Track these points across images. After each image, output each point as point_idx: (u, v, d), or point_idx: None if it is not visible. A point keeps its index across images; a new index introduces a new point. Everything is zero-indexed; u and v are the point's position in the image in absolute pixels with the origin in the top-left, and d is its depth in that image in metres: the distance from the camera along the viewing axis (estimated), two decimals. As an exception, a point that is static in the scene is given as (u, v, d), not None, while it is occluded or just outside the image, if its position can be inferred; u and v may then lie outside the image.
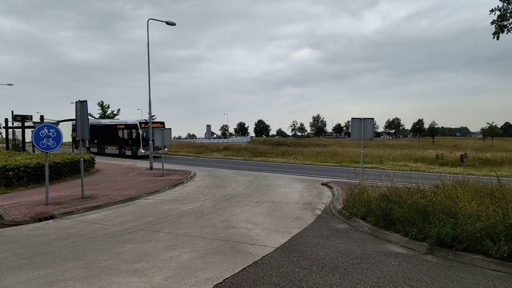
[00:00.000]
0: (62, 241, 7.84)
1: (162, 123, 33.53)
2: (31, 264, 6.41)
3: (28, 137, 30.11)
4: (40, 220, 9.77)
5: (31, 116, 36.21)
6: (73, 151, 36.37)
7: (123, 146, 34.67)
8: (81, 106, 12.31)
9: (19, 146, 33.95)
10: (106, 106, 72.81)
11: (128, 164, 28.04)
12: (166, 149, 31.11)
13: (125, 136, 34.68)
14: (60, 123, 36.24)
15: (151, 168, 22.89)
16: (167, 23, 23.54)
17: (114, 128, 36.56)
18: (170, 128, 20.11)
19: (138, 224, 9.21)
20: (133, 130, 32.96)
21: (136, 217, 10.04)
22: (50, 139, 11.48)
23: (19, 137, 36.24)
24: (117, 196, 12.90)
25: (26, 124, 33.67)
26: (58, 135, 11.66)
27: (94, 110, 74.39)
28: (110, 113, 73.17)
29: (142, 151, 31.61)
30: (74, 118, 12.64)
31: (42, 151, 11.84)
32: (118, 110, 73.72)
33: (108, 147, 36.84)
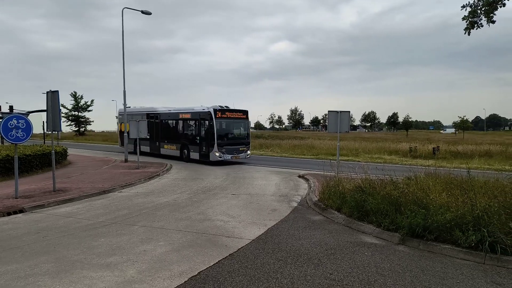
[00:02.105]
0: (32, 235, 7.64)
1: (245, 111, 22.96)
2: (-1, 259, 6.23)
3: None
4: (8, 214, 9.48)
5: (0, 106, 35.12)
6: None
7: (187, 145, 23.39)
8: (53, 96, 11.97)
9: (-13, 138, 32.85)
10: (79, 97, 71.32)
11: (102, 156, 27.55)
12: (249, 152, 22.91)
13: (190, 131, 23.55)
14: (31, 114, 35.22)
15: (126, 160, 22.54)
16: (143, 12, 23.09)
17: (174, 118, 25.20)
18: (146, 120, 19.79)
19: (112, 218, 9.06)
20: (204, 122, 21.84)
21: (109, 211, 9.87)
22: (20, 130, 11.12)
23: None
24: (90, 189, 12.66)
25: (-6, 114, 32.60)
26: (28, 126, 11.31)
27: (66, 101, 72.76)
28: (84, 104, 71.69)
29: (218, 154, 20.87)
30: (45, 109, 12.29)
31: (11, 143, 11.48)
32: (92, 101, 72.49)
33: (165, 146, 25.63)
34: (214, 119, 20.85)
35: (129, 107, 28.27)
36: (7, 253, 6.51)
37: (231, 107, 22.34)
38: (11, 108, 34.81)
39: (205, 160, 21.59)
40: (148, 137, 24.14)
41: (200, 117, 22.03)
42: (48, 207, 10.33)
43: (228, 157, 21.29)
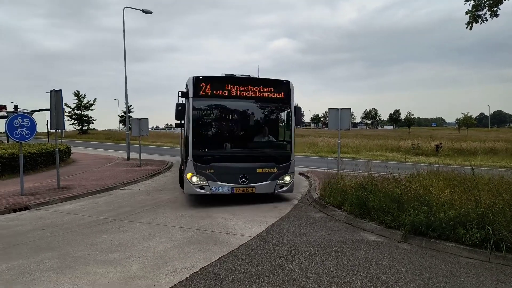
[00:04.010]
0: (37, 231, 7.69)
1: (281, 84, 10.38)
2: (5, 255, 6.28)
3: (2, 127, 29.25)
4: (14, 211, 9.55)
5: (5, 105, 35.28)
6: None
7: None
8: (56, 95, 12.01)
9: (-8, 136, 33.01)
10: (82, 96, 71.27)
11: (104, 154, 27.62)
12: (288, 179, 10.52)
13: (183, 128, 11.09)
14: (35, 113, 35.35)
15: (128, 158, 22.60)
16: (143, 11, 23.13)
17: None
18: (147, 118, 19.77)
19: (115, 215, 9.10)
20: (185, 108, 9.99)
21: (112, 208, 9.91)
22: (24, 129, 11.25)
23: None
24: (93, 187, 12.71)
25: (0, 113, 32.74)
26: (33, 125, 11.42)
27: (70, 100, 72.79)
28: (86, 103, 71.67)
29: (195, 179, 9.70)
30: (49, 108, 12.34)
31: (16, 141, 11.58)
32: (95, 99, 72.29)
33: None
34: (191, 99, 9.67)
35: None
36: (13, 249, 6.57)
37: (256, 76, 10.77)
38: (16, 107, 35.03)
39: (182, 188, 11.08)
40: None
41: (182, 97, 10.14)
42: (52, 204, 10.38)
43: (223, 188, 9.75)
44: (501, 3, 8.49)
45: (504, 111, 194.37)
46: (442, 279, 5.28)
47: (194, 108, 9.66)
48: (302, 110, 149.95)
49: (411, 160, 21.78)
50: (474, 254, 6.12)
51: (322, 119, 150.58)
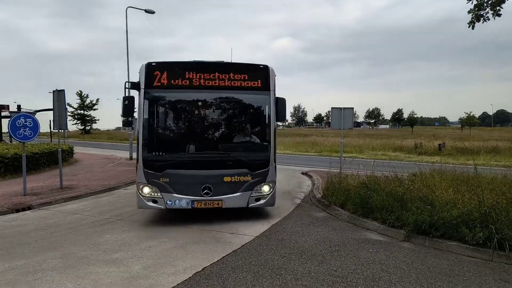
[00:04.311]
0: (40, 231, 7.70)
1: (256, 69, 8.38)
2: (8, 254, 6.30)
3: (5, 127, 29.31)
4: (17, 210, 9.58)
5: (8, 105, 35.34)
6: None
7: None
8: (59, 95, 12.04)
9: (-4, 136, 33.08)
10: (84, 96, 71.47)
11: (107, 154, 27.68)
12: (266, 189, 8.33)
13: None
14: (38, 113, 35.46)
15: (131, 158, 22.65)
16: (146, 11, 23.19)
17: None
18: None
19: (117, 214, 9.11)
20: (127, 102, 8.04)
21: (115, 207, 9.93)
22: (27, 129, 11.28)
23: (-4, 127, 35.28)
24: (96, 186, 12.74)
25: (3, 113, 32.81)
26: (35, 124, 11.45)
27: (72, 100, 72.96)
28: (89, 103, 71.86)
29: (147, 191, 7.95)
30: (52, 107, 12.37)
31: (19, 141, 11.62)
32: (97, 99, 72.51)
33: None
34: (142, 91, 7.99)
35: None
36: (16, 249, 6.59)
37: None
38: (19, 107, 35.07)
39: None
40: None
41: (132, 89, 8.37)
42: (55, 204, 10.41)
43: (181, 202, 7.94)
44: (504, 2, 8.47)
45: (507, 110, 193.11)
46: (445, 278, 5.27)
47: (146, 102, 7.94)
48: (302, 106, 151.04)
49: (414, 159, 21.70)
50: (477, 253, 6.11)
51: (325, 118, 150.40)
